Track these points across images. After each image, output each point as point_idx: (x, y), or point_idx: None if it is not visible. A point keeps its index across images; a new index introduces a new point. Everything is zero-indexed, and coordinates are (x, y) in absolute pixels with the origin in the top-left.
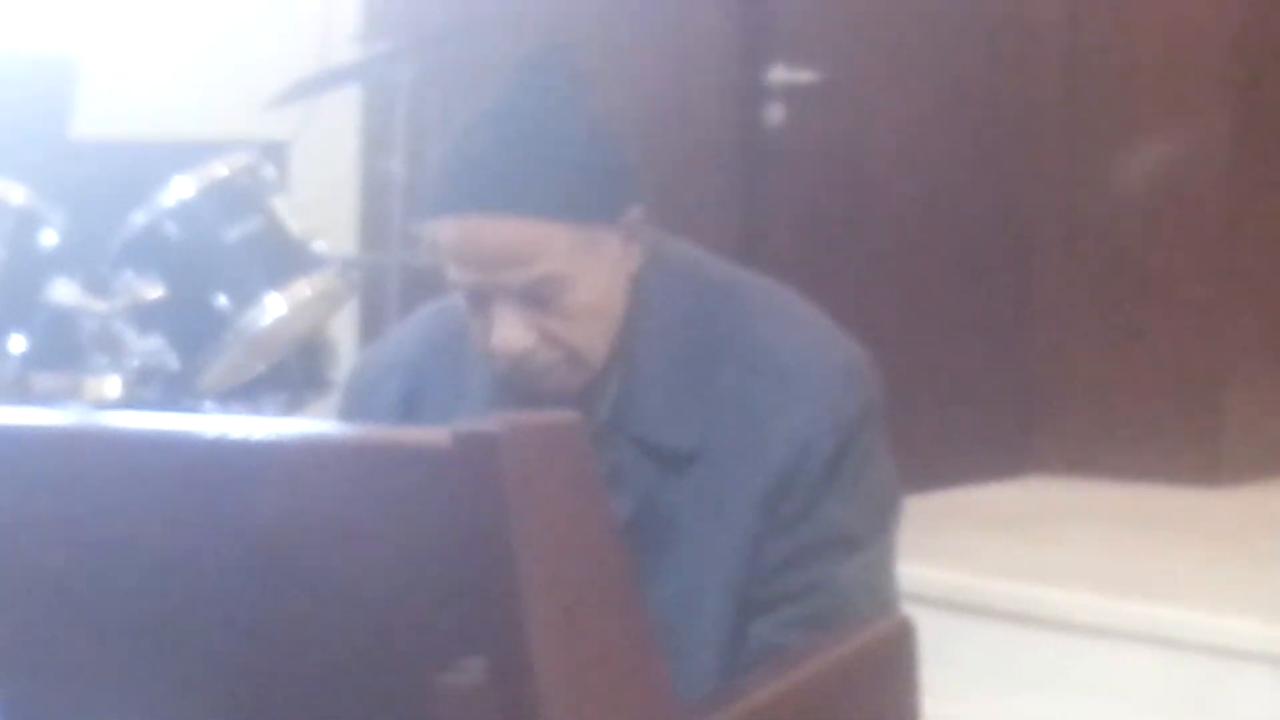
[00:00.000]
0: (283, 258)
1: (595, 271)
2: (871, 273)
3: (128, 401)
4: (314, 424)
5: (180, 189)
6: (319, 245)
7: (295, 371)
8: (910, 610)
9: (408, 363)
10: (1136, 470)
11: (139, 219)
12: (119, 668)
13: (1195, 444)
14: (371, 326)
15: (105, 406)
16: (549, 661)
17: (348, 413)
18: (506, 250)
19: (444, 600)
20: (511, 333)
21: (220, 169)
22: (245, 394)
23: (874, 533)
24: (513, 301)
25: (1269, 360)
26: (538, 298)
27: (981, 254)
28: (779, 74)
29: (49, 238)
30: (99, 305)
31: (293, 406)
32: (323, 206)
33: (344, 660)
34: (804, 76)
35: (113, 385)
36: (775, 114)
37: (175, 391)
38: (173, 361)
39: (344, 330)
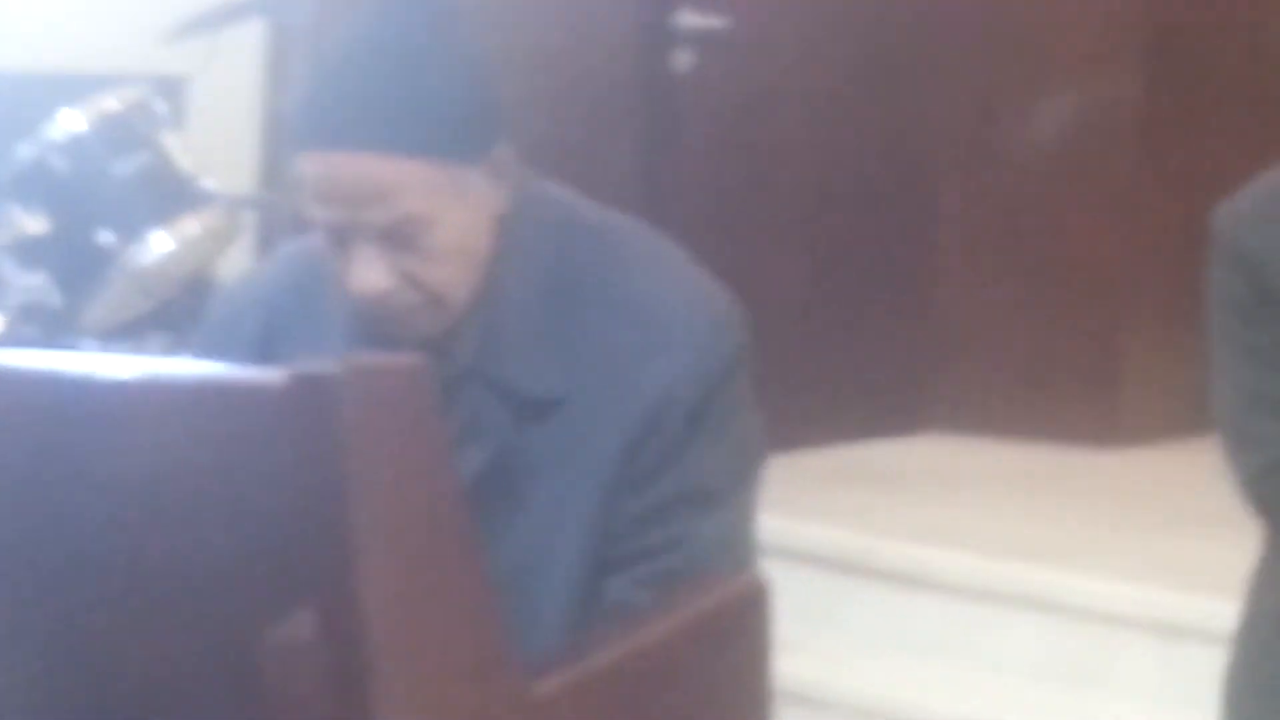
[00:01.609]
0: (171, 195)
1: (459, 211)
2: (775, 223)
3: (8, 338)
4: (149, 362)
5: (69, 122)
6: (209, 183)
7: (181, 310)
8: (797, 569)
9: (266, 300)
10: (1032, 430)
11: (25, 152)
12: None
13: (1092, 405)
14: None
15: None
16: (381, 617)
17: (204, 350)
18: (367, 188)
19: (277, 550)
20: (371, 273)
21: (111, 103)
22: (129, 332)
23: (735, 488)
24: (373, 241)
25: (1168, 321)
26: (399, 238)
27: (884, 207)
28: (687, 19)
29: None
30: None
31: (178, 346)
32: (223, 143)
33: (175, 609)
34: (712, 22)
35: None
36: (683, 60)
37: (57, 329)
38: (55, 298)
39: (236, 269)
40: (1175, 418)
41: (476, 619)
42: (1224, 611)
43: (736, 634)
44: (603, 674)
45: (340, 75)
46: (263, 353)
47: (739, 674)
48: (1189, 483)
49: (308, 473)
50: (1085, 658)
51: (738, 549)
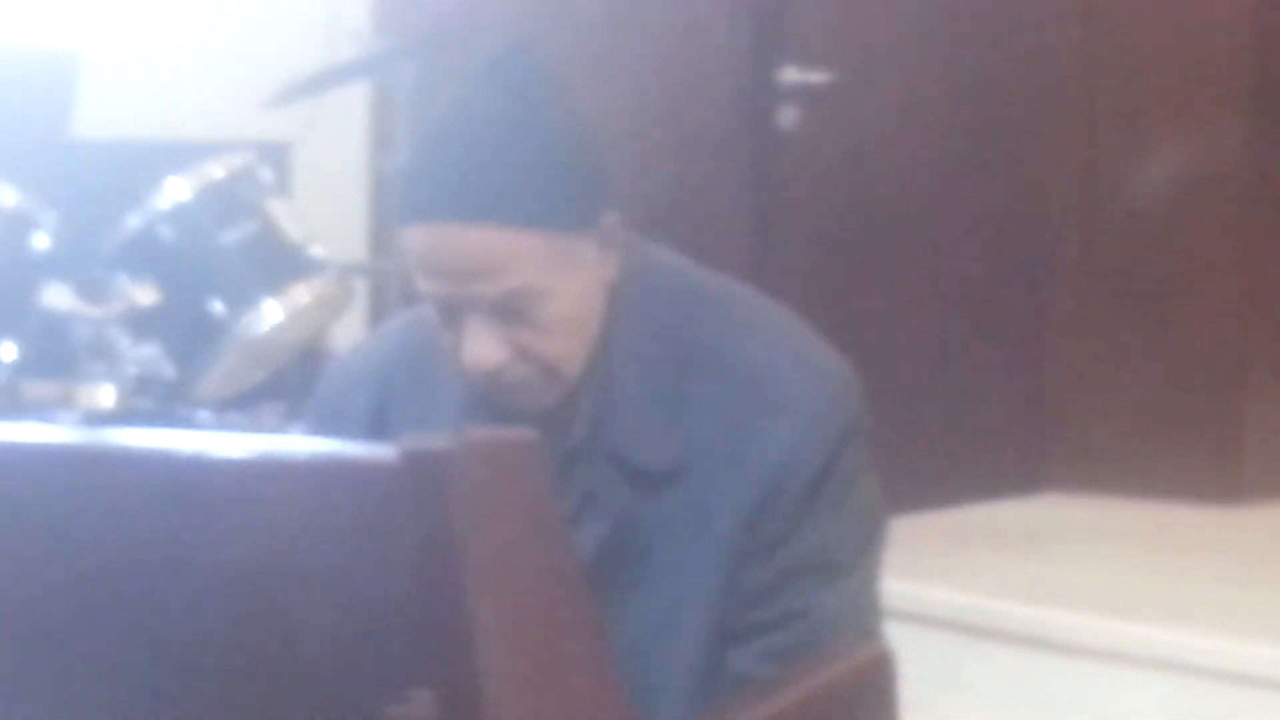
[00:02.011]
0: (280, 263)
1: (571, 282)
2: (885, 279)
3: (122, 411)
4: (260, 440)
5: (175, 191)
6: (317, 250)
7: (294, 380)
8: (922, 632)
9: (377, 375)
10: (1153, 488)
11: (133, 222)
12: (59, 687)
13: (1213, 461)
14: None
15: (99, 416)
16: (500, 693)
17: (317, 426)
18: (477, 261)
19: (394, 627)
20: (483, 347)
21: (216, 170)
22: (243, 403)
23: (857, 557)
24: (485, 314)
25: None
26: (511, 310)
27: (996, 263)
28: (790, 75)
29: (40, 241)
30: (92, 311)
31: (292, 416)
32: (329, 209)
33: (290, 688)
34: (816, 77)
35: (107, 394)
36: (787, 116)
37: (171, 400)
38: (168, 369)
39: (349, 337)
40: None
41: (597, 695)
42: None
43: (862, 703)
44: None
45: (444, 145)
46: (376, 428)
47: None
48: None
49: (423, 550)
50: (1215, 717)
51: (861, 619)
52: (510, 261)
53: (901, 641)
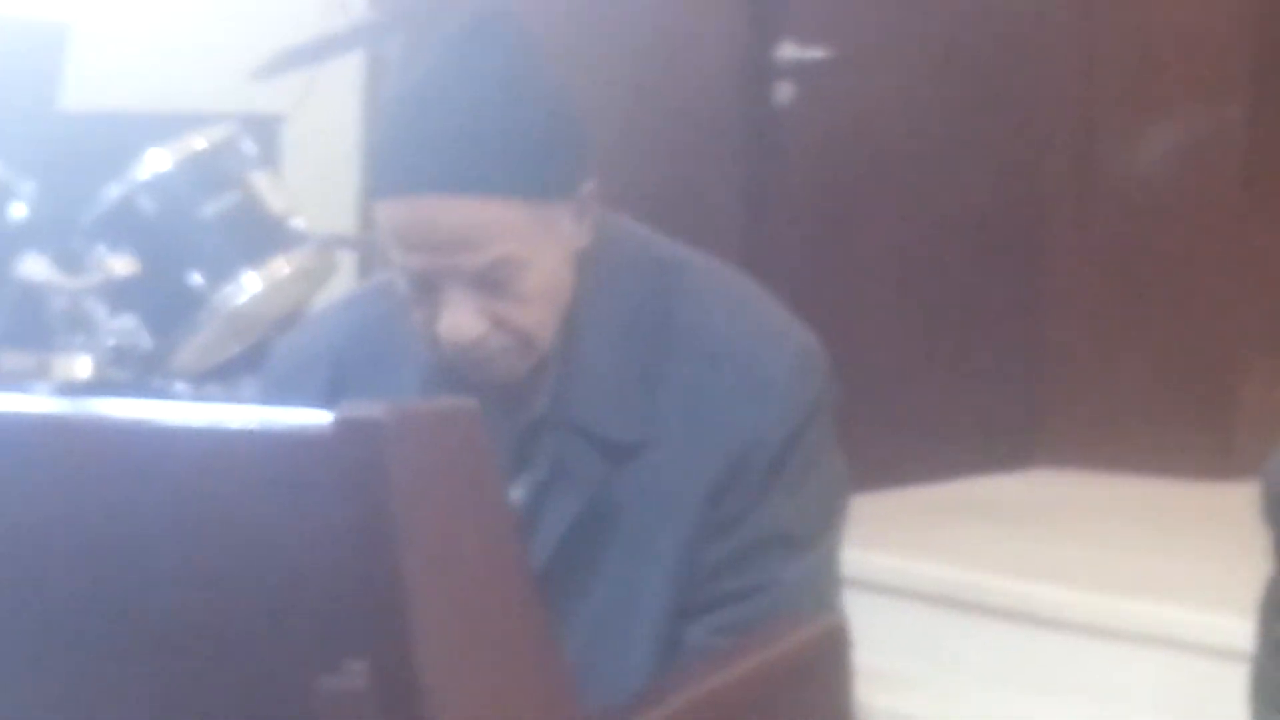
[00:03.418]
0: (260, 235)
1: (550, 251)
2: (878, 255)
3: (99, 382)
4: (199, 408)
5: (155, 162)
6: (299, 222)
7: None
8: (910, 606)
9: (333, 351)
10: (1145, 464)
11: (112, 192)
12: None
13: (1206, 436)
14: None
15: (75, 387)
16: (435, 664)
17: (269, 404)
18: (460, 232)
19: (328, 597)
20: (463, 318)
21: (198, 142)
22: (222, 375)
23: (819, 533)
24: (464, 286)
25: None
26: (492, 281)
27: (991, 239)
28: (788, 51)
29: (18, 210)
30: (70, 282)
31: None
32: (321, 182)
33: (226, 656)
34: (814, 53)
35: (84, 365)
36: (784, 92)
37: (148, 372)
38: (146, 341)
39: None
40: None
41: (534, 664)
42: None
43: (816, 674)
44: (680, 717)
45: (423, 116)
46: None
47: (818, 714)
48: None
49: (358, 519)
50: (1202, 692)
51: (821, 594)
52: (494, 232)
53: (889, 616)
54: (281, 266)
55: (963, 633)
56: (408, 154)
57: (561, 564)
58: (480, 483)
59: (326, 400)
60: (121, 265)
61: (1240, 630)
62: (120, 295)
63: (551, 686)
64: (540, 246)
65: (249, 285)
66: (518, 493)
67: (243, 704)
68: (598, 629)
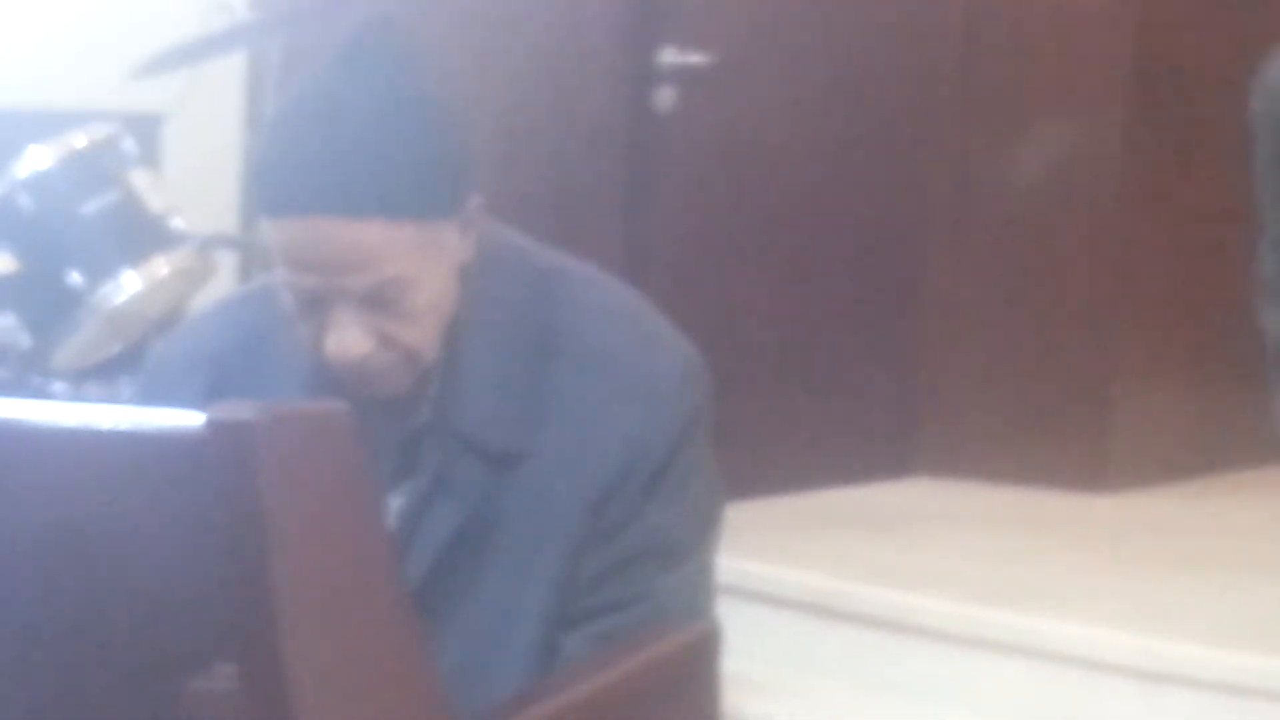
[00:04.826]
0: (140, 234)
1: (436, 268)
2: (757, 262)
3: None
4: (71, 408)
5: (35, 159)
6: (178, 222)
7: None
8: (780, 614)
9: (214, 356)
10: (1022, 474)
11: None
12: None
13: (1082, 449)
14: None
15: None
16: (304, 667)
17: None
18: (348, 254)
19: (199, 599)
20: (350, 337)
21: (78, 140)
22: (101, 374)
23: (697, 543)
24: (352, 305)
25: (1159, 363)
26: (379, 300)
27: (870, 245)
28: (669, 56)
29: None
30: None
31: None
32: (200, 181)
33: (96, 658)
34: (695, 59)
35: None
36: (665, 97)
37: (27, 370)
38: (24, 339)
39: None
40: (1165, 461)
41: (404, 670)
42: (1212, 658)
43: (686, 681)
44: None
45: (309, 135)
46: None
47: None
48: (1179, 527)
49: (228, 521)
50: (1070, 704)
51: (697, 602)
52: (382, 254)
53: (762, 624)
54: (161, 266)
55: (833, 640)
56: (293, 175)
57: (443, 572)
58: (353, 487)
59: (206, 405)
60: (0, 263)
61: (1109, 642)
62: None
63: (422, 691)
64: (427, 265)
65: (128, 284)
66: (399, 500)
67: (113, 705)
68: (478, 637)
